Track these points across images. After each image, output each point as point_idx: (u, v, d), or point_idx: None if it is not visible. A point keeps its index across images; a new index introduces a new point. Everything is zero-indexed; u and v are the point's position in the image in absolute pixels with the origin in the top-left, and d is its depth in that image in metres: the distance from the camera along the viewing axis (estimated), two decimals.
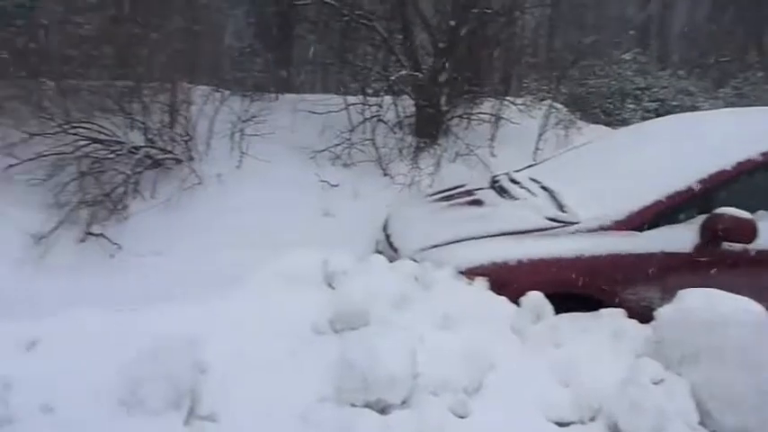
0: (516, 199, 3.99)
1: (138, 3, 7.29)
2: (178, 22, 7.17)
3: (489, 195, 4.23)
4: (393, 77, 7.68)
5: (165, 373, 2.28)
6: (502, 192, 4.22)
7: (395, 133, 7.60)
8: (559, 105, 8.87)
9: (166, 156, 6.27)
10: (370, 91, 7.82)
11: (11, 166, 5.55)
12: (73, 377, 2.37)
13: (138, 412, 2.21)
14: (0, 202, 5.27)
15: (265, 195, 6.12)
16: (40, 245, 5.13)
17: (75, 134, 5.87)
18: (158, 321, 2.75)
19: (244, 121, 6.68)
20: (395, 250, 3.77)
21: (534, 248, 3.34)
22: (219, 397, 2.38)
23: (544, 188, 3.99)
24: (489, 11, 7.94)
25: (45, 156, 5.68)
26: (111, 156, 5.94)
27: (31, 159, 5.62)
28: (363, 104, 7.50)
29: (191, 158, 6.39)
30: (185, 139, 6.41)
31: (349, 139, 7.16)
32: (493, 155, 7.63)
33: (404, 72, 7.71)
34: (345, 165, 7.07)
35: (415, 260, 3.37)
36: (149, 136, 6.27)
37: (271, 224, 5.66)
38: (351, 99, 7.58)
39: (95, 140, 5.94)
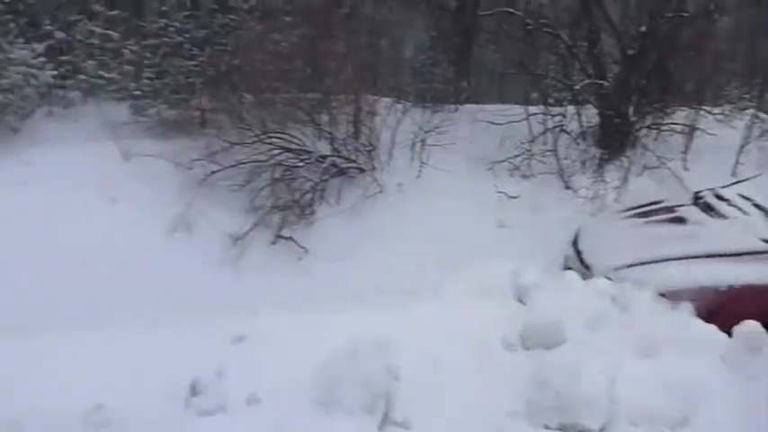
0: (725, 218, 3.68)
1: (328, 20, 7.67)
2: (363, 36, 7.44)
3: (693, 213, 3.93)
4: (577, 86, 7.39)
5: (360, 375, 2.33)
6: (707, 209, 3.90)
7: (578, 144, 7.29)
8: (764, 115, 8.02)
9: (351, 165, 6.52)
10: (551, 100, 7.60)
11: (213, 172, 6.05)
12: (275, 372, 2.52)
13: (335, 411, 2.28)
14: (204, 204, 5.75)
15: (443, 205, 6.14)
16: (236, 246, 5.54)
17: (269, 143, 6.29)
18: (350, 325, 2.84)
19: (425, 132, 6.76)
20: (587, 267, 3.61)
21: (749, 273, 3.04)
22: (411, 404, 2.39)
23: (758, 207, 3.63)
24: (686, 14, 7.39)
25: (243, 163, 6.14)
26: (301, 164, 6.29)
27: (231, 166, 6.09)
28: (545, 114, 7.29)
29: (373, 168, 6.58)
30: (369, 149, 6.62)
31: (529, 150, 6.98)
32: (686, 168, 7.06)
33: (588, 80, 7.41)
34: (524, 176, 6.90)
35: (609, 279, 3.19)
36: (335, 146, 6.56)
37: (449, 234, 5.67)
38: (532, 109, 7.41)
39: (287, 149, 6.33)
